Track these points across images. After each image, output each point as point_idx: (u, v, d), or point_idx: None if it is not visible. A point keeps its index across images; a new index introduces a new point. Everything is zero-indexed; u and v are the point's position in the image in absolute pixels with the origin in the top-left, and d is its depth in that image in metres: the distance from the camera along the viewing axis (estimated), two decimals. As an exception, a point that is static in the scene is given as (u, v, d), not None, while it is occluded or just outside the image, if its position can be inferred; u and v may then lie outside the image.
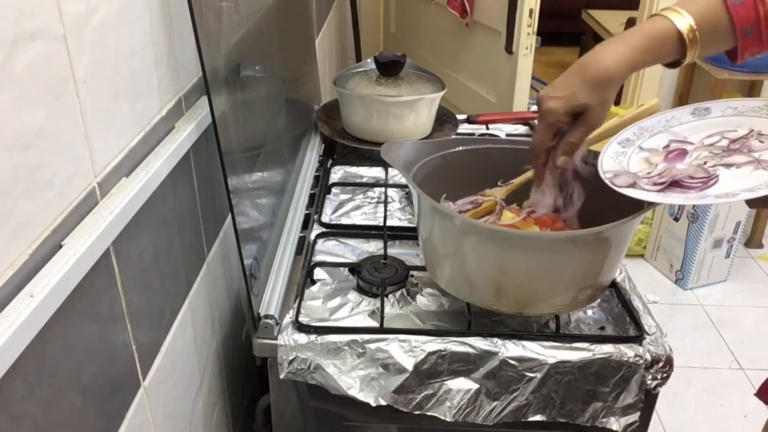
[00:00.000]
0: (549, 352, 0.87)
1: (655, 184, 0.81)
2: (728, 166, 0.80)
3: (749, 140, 0.82)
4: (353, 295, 0.97)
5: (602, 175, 0.85)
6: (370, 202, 1.24)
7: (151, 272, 0.75)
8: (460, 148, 1.04)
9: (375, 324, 0.91)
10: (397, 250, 1.07)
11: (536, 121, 0.81)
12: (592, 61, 0.79)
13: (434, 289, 0.98)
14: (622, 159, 0.88)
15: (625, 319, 0.94)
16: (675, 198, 0.79)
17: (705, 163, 0.82)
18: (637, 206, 0.83)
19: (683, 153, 0.85)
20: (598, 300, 0.97)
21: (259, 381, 1.22)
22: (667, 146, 0.87)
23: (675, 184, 0.81)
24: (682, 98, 2.82)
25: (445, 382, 0.87)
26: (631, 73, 0.80)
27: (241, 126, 0.92)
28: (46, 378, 0.53)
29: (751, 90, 2.62)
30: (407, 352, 0.87)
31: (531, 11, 2.07)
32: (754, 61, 2.59)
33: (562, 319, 0.93)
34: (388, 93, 1.36)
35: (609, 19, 4.38)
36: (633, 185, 0.82)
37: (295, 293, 0.96)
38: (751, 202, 0.77)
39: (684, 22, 0.76)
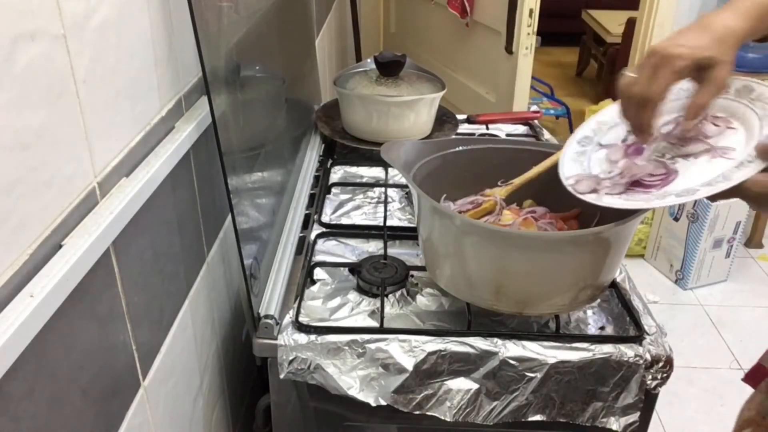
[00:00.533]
0: (549, 352, 0.87)
1: (616, 185, 0.80)
2: (686, 156, 0.79)
3: (703, 125, 0.79)
4: (353, 295, 0.97)
5: (564, 182, 0.84)
6: (370, 202, 1.24)
7: (151, 272, 0.75)
8: (460, 148, 1.04)
9: (375, 324, 0.91)
10: (397, 250, 1.07)
11: (644, 67, 0.73)
12: (712, 21, 0.74)
13: (434, 289, 0.98)
14: (583, 160, 0.86)
15: (625, 319, 0.94)
16: (638, 201, 0.77)
17: (663, 155, 0.80)
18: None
19: (641, 146, 0.83)
20: (598, 300, 0.97)
21: (259, 381, 1.22)
22: (626, 139, 0.86)
23: (636, 183, 0.80)
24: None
25: (445, 382, 0.87)
26: (749, 38, 0.75)
27: (241, 126, 0.92)
28: (46, 378, 0.53)
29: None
30: (407, 352, 0.87)
31: (531, 11, 2.07)
32: (754, 61, 2.59)
33: (562, 319, 0.93)
34: (388, 93, 1.36)
35: (609, 19, 4.39)
36: (595, 190, 0.81)
37: (295, 293, 0.96)
38: (713, 197, 0.74)
39: None
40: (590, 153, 0.88)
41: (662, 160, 0.80)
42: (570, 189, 0.82)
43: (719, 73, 0.72)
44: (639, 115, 0.75)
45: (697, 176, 0.76)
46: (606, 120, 0.90)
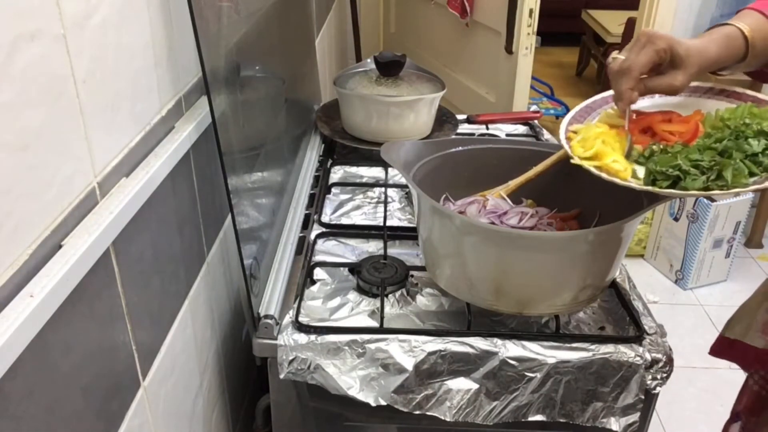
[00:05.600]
0: (549, 352, 0.87)
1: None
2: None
3: None
4: (353, 295, 0.97)
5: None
6: (370, 202, 1.24)
7: (151, 272, 0.75)
8: (460, 148, 1.04)
9: (375, 324, 0.91)
10: (397, 250, 1.07)
11: (629, 48, 0.84)
12: (692, 41, 0.85)
13: (434, 289, 0.98)
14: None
15: (625, 319, 0.94)
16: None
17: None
18: (636, 206, 0.83)
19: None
20: (598, 300, 0.97)
21: (259, 381, 1.22)
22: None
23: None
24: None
25: (445, 382, 0.87)
26: (711, 65, 0.86)
27: (241, 126, 0.92)
28: (46, 378, 0.53)
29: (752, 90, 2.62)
30: (407, 352, 0.87)
31: (531, 11, 2.07)
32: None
33: (562, 319, 0.93)
34: (388, 93, 1.36)
35: (609, 19, 4.39)
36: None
37: (295, 293, 0.96)
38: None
39: (744, 26, 0.86)
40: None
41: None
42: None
43: (678, 75, 0.83)
44: (621, 83, 0.84)
45: None
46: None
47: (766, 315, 1.03)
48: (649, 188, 0.79)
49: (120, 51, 0.66)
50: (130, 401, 0.70)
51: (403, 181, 1.25)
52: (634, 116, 0.91)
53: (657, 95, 0.91)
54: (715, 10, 2.74)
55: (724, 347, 1.06)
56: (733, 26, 0.86)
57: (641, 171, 0.83)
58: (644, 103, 0.93)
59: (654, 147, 0.84)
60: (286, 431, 0.96)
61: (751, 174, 0.77)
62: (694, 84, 0.92)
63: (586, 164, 0.83)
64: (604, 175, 0.81)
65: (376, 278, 0.97)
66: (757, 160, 0.78)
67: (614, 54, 0.86)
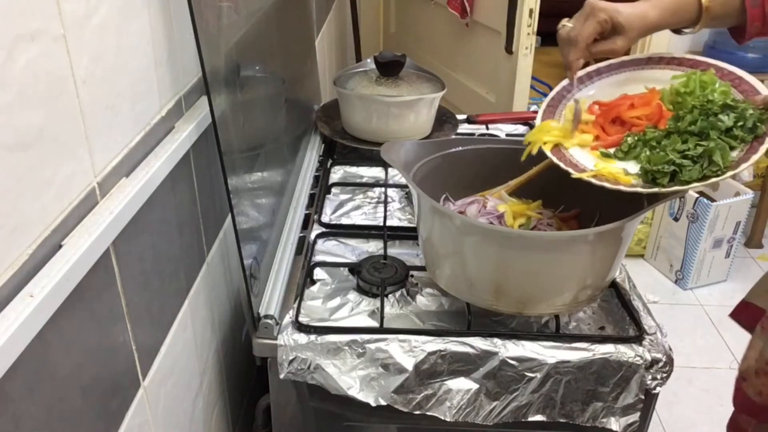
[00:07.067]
0: (549, 352, 0.87)
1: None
2: None
3: None
4: (353, 295, 0.97)
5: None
6: (370, 202, 1.24)
7: (151, 272, 0.75)
8: (460, 148, 1.04)
9: (375, 324, 0.91)
10: (397, 250, 1.07)
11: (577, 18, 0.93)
12: (635, 5, 0.92)
13: (434, 289, 0.98)
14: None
15: (625, 319, 0.94)
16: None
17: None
18: (636, 206, 0.83)
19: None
20: (598, 300, 0.97)
21: (259, 381, 1.22)
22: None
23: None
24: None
25: (445, 382, 0.87)
26: (653, 28, 0.92)
27: (241, 126, 0.92)
28: (46, 378, 0.53)
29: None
30: (407, 352, 0.87)
31: (531, 11, 2.07)
32: (754, 60, 2.58)
33: (562, 319, 0.93)
34: (388, 93, 1.36)
35: (609, 19, 4.37)
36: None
37: (295, 293, 0.96)
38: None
39: None
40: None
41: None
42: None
43: (619, 41, 0.91)
44: (569, 54, 0.93)
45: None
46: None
47: None
48: (656, 189, 0.80)
49: (120, 51, 0.66)
50: (130, 401, 0.70)
51: (403, 181, 1.25)
52: (596, 108, 0.94)
53: (599, 80, 0.99)
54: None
55: (748, 313, 1.07)
56: None
57: (631, 167, 0.85)
58: (590, 92, 0.97)
59: (629, 139, 0.87)
60: (286, 431, 0.96)
61: (731, 149, 0.79)
62: (633, 57, 0.99)
63: (585, 177, 0.84)
64: (607, 184, 0.82)
65: (376, 278, 0.97)
66: (733, 134, 0.80)
67: (564, 21, 0.95)
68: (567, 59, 0.93)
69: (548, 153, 0.90)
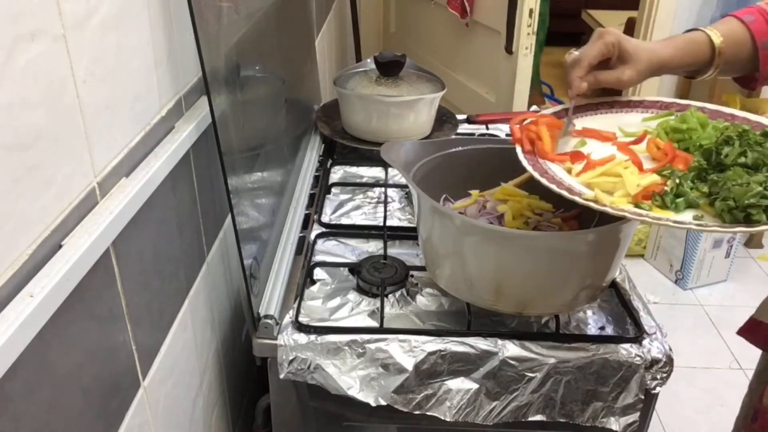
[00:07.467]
0: (549, 352, 0.87)
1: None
2: None
3: None
4: (353, 295, 0.97)
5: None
6: (370, 202, 1.24)
7: (151, 272, 0.75)
8: (460, 148, 1.04)
9: (375, 324, 0.91)
10: (397, 250, 1.07)
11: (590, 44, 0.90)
12: (648, 43, 0.93)
13: (434, 289, 0.98)
14: None
15: (625, 319, 0.94)
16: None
17: None
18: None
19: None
20: (598, 300, 0.97)
21: (259, 381, 1.22)
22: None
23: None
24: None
25: (445, 382, 0.87)
26: (663, 65, 0.90)
27: (241, 126, 0.92)
28: (46, 378, 0.53)
29: (749, 92, 2.62)
30: (407, 352, 0.87)
31: (531, 11, 2.07)
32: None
33: (562, 319, 0.93)
34: (388, 93, 1.36)
35: (609, 19, 4.38)
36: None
37: (295, 293, 0.96)
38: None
39: (715, 35, 0.90)
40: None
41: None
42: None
43: (625, 71, 0.89)
44: (572, 72, 0.90)
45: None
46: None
47: None
48: (742, 228, 0.72)
49: (120, 51, 0.66)
50: (130, 401, 0.70)
51: (403, 181, 1.25)
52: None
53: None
54: (715, 10, 2.74)
55: (760, 332, 1.06)
56: (701, 32, 0.91)
57: (685, 216, 0.75)
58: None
59: (669, 183, 0.78)
60: (286, 431, 0.96)
61: None
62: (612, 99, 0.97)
63: (581, 201, 0.77)
64: (610, 210, 0.75)
65: (376, 278, 0.97)
66: None
67: (571, 51, 0.92)
68: (569, 77, 0.91)
69: (544, 181, 0.83)
